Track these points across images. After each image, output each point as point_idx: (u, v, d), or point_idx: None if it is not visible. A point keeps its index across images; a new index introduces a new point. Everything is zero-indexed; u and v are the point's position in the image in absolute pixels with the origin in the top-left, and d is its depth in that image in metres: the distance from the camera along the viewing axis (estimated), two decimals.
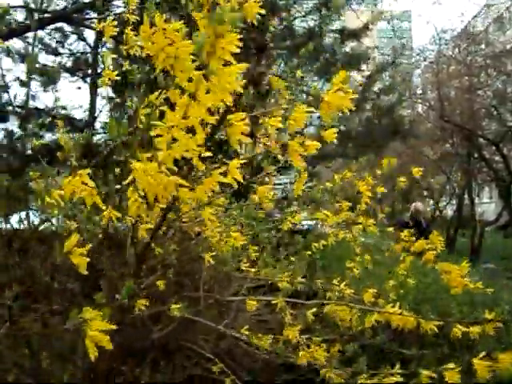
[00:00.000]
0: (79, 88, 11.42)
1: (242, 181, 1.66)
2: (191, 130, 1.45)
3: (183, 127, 1.34)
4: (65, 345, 2.43)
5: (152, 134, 1.39)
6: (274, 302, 2.42)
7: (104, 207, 1.59)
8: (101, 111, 9.04)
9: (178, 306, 2.21)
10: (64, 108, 9.54)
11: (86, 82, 10.92)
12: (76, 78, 10.87)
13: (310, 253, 3.28)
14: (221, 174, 1.55)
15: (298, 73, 3.31)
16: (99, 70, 9.45)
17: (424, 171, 3.55)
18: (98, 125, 9.17)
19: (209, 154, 1.50)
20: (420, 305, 3.83)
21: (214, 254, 2.36)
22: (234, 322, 2.66)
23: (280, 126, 1.63)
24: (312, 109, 1.52)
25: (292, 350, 2.66)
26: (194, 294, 2.58)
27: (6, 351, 2.08)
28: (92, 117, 9.12)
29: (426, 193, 20.73)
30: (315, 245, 3.19)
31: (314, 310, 2.59)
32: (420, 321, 2.38)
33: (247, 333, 2.39)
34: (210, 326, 2.47)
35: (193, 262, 2.73)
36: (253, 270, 2.72)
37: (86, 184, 1.47)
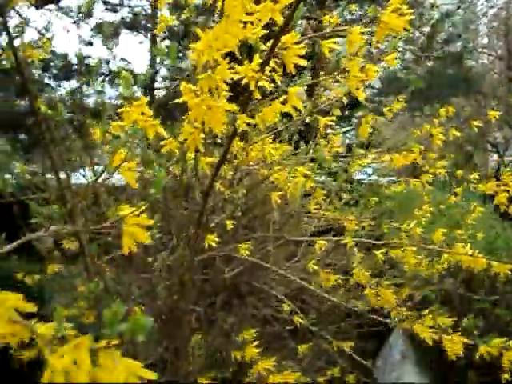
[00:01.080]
0: (141, 42, 11.54)
1: (302, 108, 1.64)
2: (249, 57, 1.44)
3: (221, 48, 1.31)
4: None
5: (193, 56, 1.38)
6: (343, 241, 2.42)
7: (167, 135, 1.59)
8: (161, 63, 9.07)
9: (246, 246, 2.24)
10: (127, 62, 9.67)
11: (146, 36, 11.01)
12: (136, 33, 10.97)
13: (376, 199, 3.26)
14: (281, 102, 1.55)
15: None
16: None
17: (489, 125, 3.42)
18: (159, 79, 9.29)
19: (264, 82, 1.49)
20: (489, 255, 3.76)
21: (281, 193, 2.37)
22: (302, 263, 2.69)
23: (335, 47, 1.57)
24: (368, 29, 1.48)
25: (360, 292, 2.67)
26: (263, 234, 2.60)
27: None
28: (153, 71, 9.19)
29: (490, 147, 20.09)
30: (385, 191, 3.16)
31: (383, 250, 2.57)
32: (492, 263, 2.33)
33: (315, 268, 2.40)
34: (279, 267, 2.50)
35: (261, 205, 2.75)
36: (321, 212, 2.72)
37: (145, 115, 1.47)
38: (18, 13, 2.84)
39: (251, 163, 2.54)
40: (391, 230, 2.94)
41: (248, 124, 1.61)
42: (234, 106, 1.44)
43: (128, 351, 2.15)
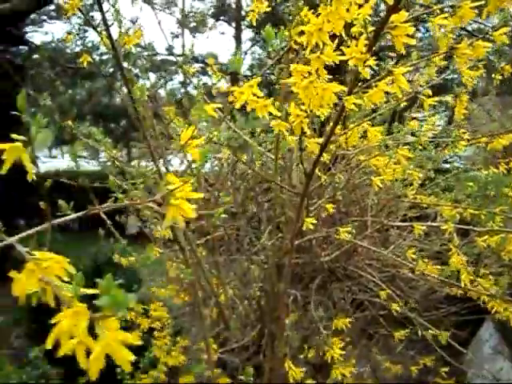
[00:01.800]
0: (222, 33, 11.67)
1: (408, 89, 1.61)
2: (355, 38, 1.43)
3: (328, 30, 1.32)
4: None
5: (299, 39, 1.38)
6: (443, 227, 2.36)
7: (278, 114, 1.60)
8: (245, 53, 9.20)
9: (346, 229, 2.22)
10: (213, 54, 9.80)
11: (230, 25, 11.10)
12: (220, 23, 11.09)
13: (471, 184, 3.15)
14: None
15: None
16: (243, 14, 9.62)
17: None
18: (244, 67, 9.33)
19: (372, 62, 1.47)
20: None
21: (381, 179, 2.33)
22: (397, 248, 2.65)
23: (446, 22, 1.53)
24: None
25: (456, 279, 2.61)
26: (360, 218, 2.58)
27: None
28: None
29: None
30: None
31: (485, 238, 2.49)
32: None
33: (414, 257, 2.36)
34: (375, 252, 2.48)
35: (358, 190, 2.73)
36: (418, 197, 2.66)
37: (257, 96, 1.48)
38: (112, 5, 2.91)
39: (348, 148, 2.52)
40: (488, 216, 2.84)
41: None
42: (342, 87, 1.44)
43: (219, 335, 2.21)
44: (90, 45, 13.19)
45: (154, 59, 10.38)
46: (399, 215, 2.80)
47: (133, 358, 0.69)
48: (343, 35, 1.41)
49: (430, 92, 2.30)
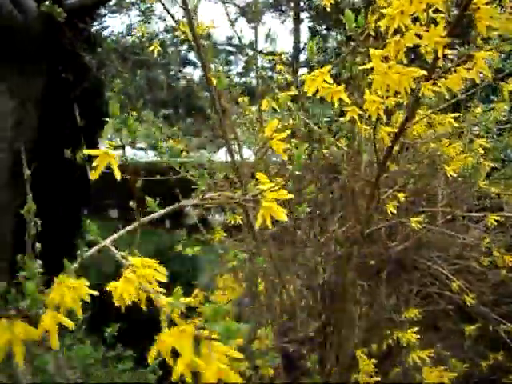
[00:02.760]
0: (283, 22, 11.65)
1: (489, 74, 1.56)
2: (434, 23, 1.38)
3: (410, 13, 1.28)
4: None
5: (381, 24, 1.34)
6: None
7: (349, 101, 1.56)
8: (305, 44, 9.15)
9: (418, 219, 2.17)
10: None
11: (289, 15, 11.07)
12: (279, 12, 11.07)
13: None
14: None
15: None
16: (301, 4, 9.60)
17: None
18: (302, 57, 9.34)
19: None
20: None
21: (453, 168, 2.26)
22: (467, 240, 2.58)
23: None
24: None
25: None
26: (429, 209, 2.51)
27: None
28: (297, 50, 9.26)
29: None
30: None
31: None
32: None
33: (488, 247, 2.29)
34: (446, 244, 2.41)
35: (428, 180, 2.66)
36: (493, 188, 2.58)
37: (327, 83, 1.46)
38: None
39: (415, 137, 2.46)
40: None
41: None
42: (422, 72, 1.40)
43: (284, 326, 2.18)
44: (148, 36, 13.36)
45: (215, 49, 10.45)
46: (469, 206, 2.72)
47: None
48: (422, 18, 1.36)
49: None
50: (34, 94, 5.38)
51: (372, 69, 1.38)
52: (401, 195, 2.22)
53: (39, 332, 0.73)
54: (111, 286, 0.81)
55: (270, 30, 2.72)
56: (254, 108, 2.88)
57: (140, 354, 2.32)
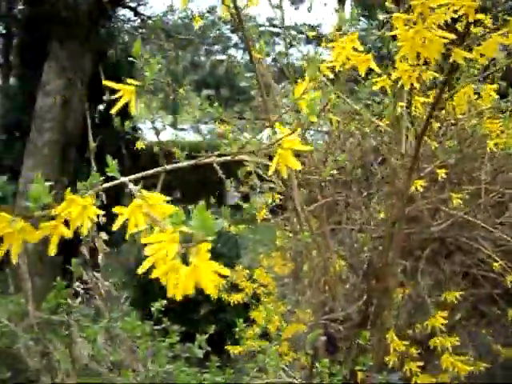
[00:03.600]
0: (325, 4, 11.52)
1: None
2: None
3: None
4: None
5: None
6: None
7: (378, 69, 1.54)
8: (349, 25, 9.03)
9: (459, 195, 2.14)
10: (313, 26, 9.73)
11: None
12: None
13: None
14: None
15: None
16: None
17: None
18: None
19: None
20: None
21: (495, 143, 2.22)
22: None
23: None
24: None
25: None
26: (473, 187, 2.48)
27: None
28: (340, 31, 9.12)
29: None
30: None
31: None
32: None
33: None
34: (491, 223, 2.38)
35: (469, 159, 2.62)
36: None
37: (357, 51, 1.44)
38: None
39: (457, 114, 2.42)
40: None
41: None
42: (451, 35, 1.33)
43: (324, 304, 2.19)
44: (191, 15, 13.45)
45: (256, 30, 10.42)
46: None
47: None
48: None
49: None
50: (81, 73, 5.49)
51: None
52: (441, 171, 2.18)
53: (38, 235, 0.77)
54: (119, 210, 0.82)
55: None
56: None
57: (190, 328, 2.38)
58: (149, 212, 0.79)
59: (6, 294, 2.55)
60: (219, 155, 1.06)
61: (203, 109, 3.09)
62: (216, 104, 2.91)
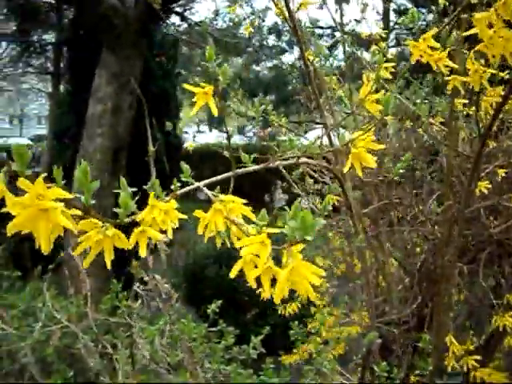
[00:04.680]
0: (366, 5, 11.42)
1: None
2: None
3: None
4: None
5: None
6: None
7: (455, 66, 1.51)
8: (395, 23, 8.96)
9: None
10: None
11: None
12: None
13: None
14: None
15: None
16: None
17: None
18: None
19: None
20: None
21: None
22: None
23: None
24: None
25: None
26: None
27: None
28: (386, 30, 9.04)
29: None
30: None
31: None
32: None
33: None
34: None
35: None
36: None
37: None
38: None
39: None
40: None
41: None
42: None
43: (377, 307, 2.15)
44: (236, 20, 13.55)
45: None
46: None
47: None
48: None
49: None
50: (130, 80, 5.59)
51: (470, 37, 1.33)
52: (501, 171, 2.14)
53: (131, 241, 0.79)
54: (200, 214, 0.85)
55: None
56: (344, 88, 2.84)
57: (241, 331, 2.39)
58: (229, 216, 0.80)
59: (65, 295, 2.61)
60: (284, 159, 1.08)
61: (255, 112, 3.09)
62: (263, 107, 2.91)
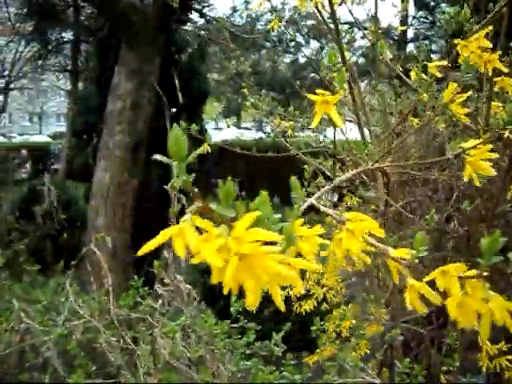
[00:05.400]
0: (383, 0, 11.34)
1: None
2: None
3: None
4: None
5: None
6: None
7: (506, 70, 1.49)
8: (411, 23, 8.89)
9: None
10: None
11: None
12: None
13: None
14: None
15: None
16: None
17: None
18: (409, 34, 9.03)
19: None
20: None
21: None
22: None
23: None
24: None
25: None
26: None
27: None
28: (404, 28, 9.00)
29: None
30: None
31: None
32: None
33: None
34: None
35: None
36: None
37: None
38: None
39: None
40: None
41: None
42: None
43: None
44: (253, 16, 13.55)
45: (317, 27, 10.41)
46: None
47: None
48: None
49: None
50: (149, 77, 5.60)
51: None
52: None
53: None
54: (335, 239, 0.77)
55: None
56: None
57: (262, 328, 2.39)
58: (369, 239, 0.76)
59: (88, 290, 2.63)
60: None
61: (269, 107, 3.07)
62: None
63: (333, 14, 1.81)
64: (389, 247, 0.74)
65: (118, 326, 2.27)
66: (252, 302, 0.57)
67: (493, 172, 1.02)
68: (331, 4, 1.77)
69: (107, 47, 6.85)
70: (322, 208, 0.78)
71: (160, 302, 2.16)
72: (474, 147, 1.03)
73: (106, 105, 5.72)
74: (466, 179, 1.04)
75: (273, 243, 0.58)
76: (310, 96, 0.88)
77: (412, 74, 1.72)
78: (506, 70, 1.40)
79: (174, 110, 5.73)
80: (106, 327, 2.26)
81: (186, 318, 2.21)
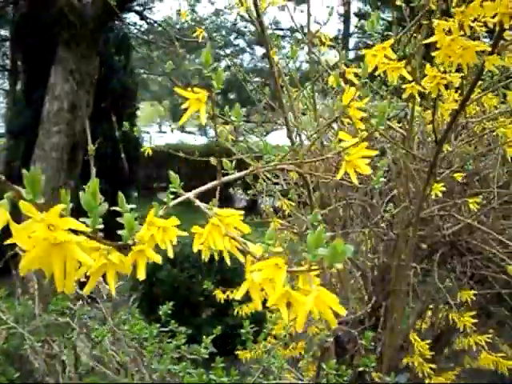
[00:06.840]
0: (327, 7, 11.56)
1: None
2: None
3: None
4: None
5: None
6: None
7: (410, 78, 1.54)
8: (356, 27, 9.07)
9: (476, 199, 2.13)
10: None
11: None
12: None
13: None
14: None
15: None
16: None
17: None
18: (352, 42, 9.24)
19: None
20: None
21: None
22: None
23: None
24: None
25: None
26: (484, 190, 2.46)
27: None
28: (346, 33, 9.17)
29: None
30: None
31: None
32: None
33: None
34: (501, 226, 2.35)
35: (479, 160, 2.60)
36: None
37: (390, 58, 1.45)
38: None
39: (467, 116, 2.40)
40: None
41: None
42: (484, 46, 1.37)
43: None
44: (197, 19, 13.53)
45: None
46: None
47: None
48: None
49: None
50: (88, 77, 5.50)
51: (431, 44, 1.36)
52: (458, 175, 2.18)
53: (129, 262, 0.72)
54: (197, 230, 0.80)
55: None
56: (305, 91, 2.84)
57: (192, 331, 2.36)
58: (229, 232, 0.77)
59: (14, 296, 2.54)
60: (263, 166, 1.07)
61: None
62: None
63: (258, 16, 1.82)
64: (248, 242, 0.75)
65: (45, 331, 2.21)
66: (61, 286, 0.65)
67: (369, 171, 1.02)
68: (256, 7, 1.77)
69: (42, 46, 6.69)
70: (198, 203, 0.80)
71: (79, 303, 2.11)
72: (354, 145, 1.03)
73: (43, 106, 5.59)
74: (338, 177, 1.04)
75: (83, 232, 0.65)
76: (182, 93, 0.88)
77: (330, 79, 1.76)
78: (410, 77, 1.46)
79: (88, 107, 5.61)
80: (32, 333, 2.19)
81: (116, 321, 2.17)
